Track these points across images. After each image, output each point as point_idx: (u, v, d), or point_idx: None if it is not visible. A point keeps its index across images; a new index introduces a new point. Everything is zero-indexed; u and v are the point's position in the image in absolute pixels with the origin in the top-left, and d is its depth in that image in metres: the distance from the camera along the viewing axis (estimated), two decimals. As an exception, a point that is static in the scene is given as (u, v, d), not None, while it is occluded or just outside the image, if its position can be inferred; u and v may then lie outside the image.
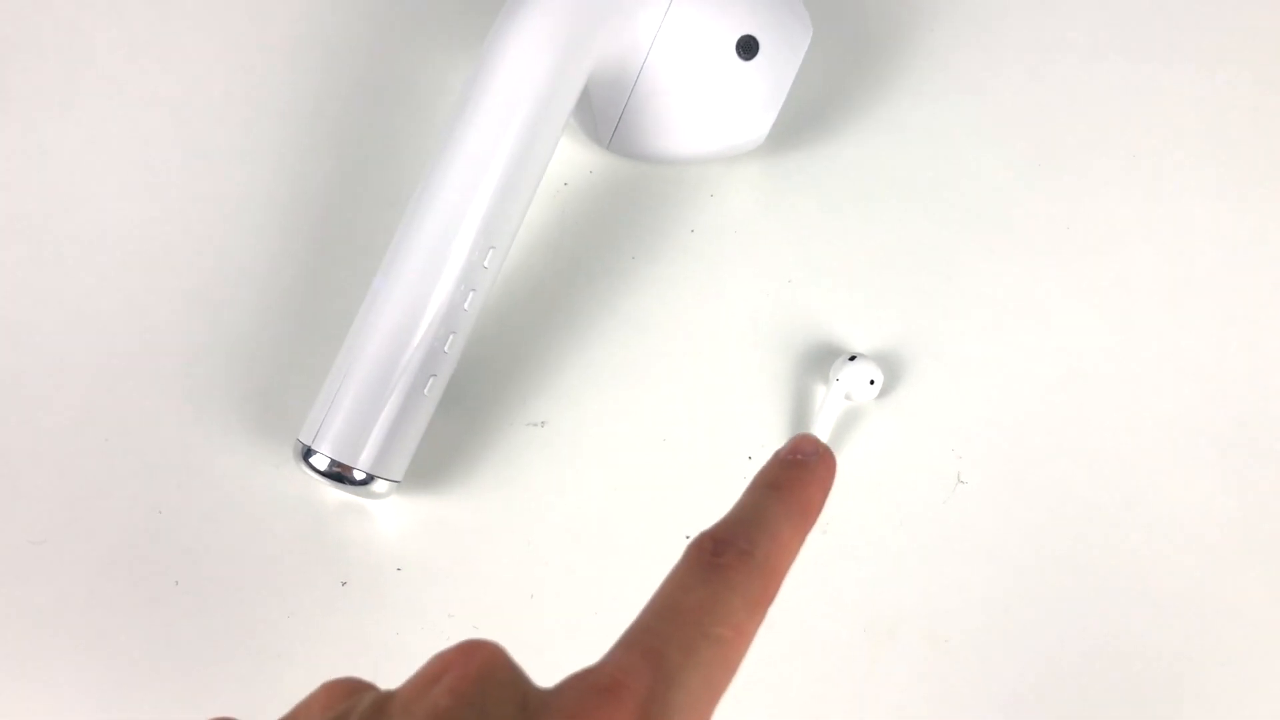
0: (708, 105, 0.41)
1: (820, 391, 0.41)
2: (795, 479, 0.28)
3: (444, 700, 0.20)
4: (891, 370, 0.42)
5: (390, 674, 0.37)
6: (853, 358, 0.40)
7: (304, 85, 0.45)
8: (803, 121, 0.45)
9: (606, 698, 0.20)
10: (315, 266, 0.42)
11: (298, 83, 0.45)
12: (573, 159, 0.44)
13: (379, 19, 0.46)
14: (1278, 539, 0.41)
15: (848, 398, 0.40)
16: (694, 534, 0.39)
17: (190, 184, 0.43)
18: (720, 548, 0.25)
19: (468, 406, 0.41)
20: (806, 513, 0.28)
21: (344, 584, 0.39)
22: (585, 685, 0.21)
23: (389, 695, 0.21)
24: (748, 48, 0.40)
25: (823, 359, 0.42)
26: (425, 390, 0.37)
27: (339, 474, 0.37)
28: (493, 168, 0.37)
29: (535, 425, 0.41)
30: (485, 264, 0.38)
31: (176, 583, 0.39)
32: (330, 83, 0.45)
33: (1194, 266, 0.43)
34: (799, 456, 0.29)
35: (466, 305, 0.37)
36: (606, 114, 0.42)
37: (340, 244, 0.43)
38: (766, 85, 0.41)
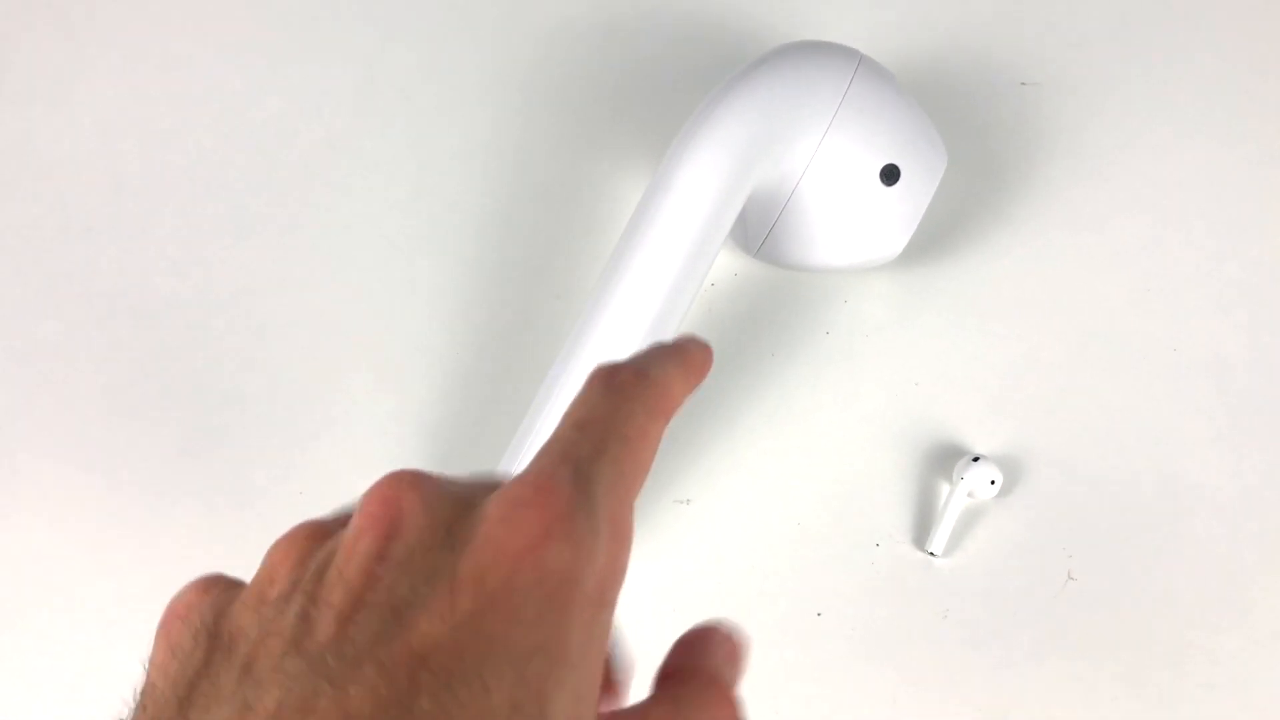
0: (850, 225, 0.46)
1: (942, 487, 0.45)
2: (683, 344, 0.28)
3: (375, 568, 0.21)
4: (1009, 471, 0.45)
5: None
6: (976, 459, 0.44)
7: (488, 189, 0.50)
8: (933, 240, 0.49)
9: (534, 503, 0.21)
10: (492, 350, 0.47)
11: (483, 186, 0.50)
12: (720, 263, 0.49)
13: (558, 132, 0.51)
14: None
15: (970, 495, 0.44)
16: (824, 612, 0.43)
17: (383, 271, 0.49)
18: (617, 371, 0.25)
19: (623, 482, 0.45)
20: (691, 368, 0.28)
21: (508, 636, 0.43)
22: (510, 499, 0.21)
23: (323, 570, 0.21)
24: (890, 175, 0.45)
25: (945, 457, 0.46)
26: (594, 467, 0.42)
27: (515, 537, 0.41)
28: (664, 275, 0.42)
29: (682, 502, 0.45)
30: (652, 358, 0.42)
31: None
32: (512, 187, 0.50)
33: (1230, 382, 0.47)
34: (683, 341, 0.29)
35: (634, 393, 0.42)
36: (758, 227, 0.46)
37: (514, 332, 0.48)
38: (904, 209, 0.45)
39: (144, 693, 0.22)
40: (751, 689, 0.43)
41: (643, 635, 0.44)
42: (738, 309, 0.49)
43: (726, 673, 0.26)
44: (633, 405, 0.24)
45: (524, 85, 0.53)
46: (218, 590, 0.23)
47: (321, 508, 0.45)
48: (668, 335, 0.43)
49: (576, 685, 0.21)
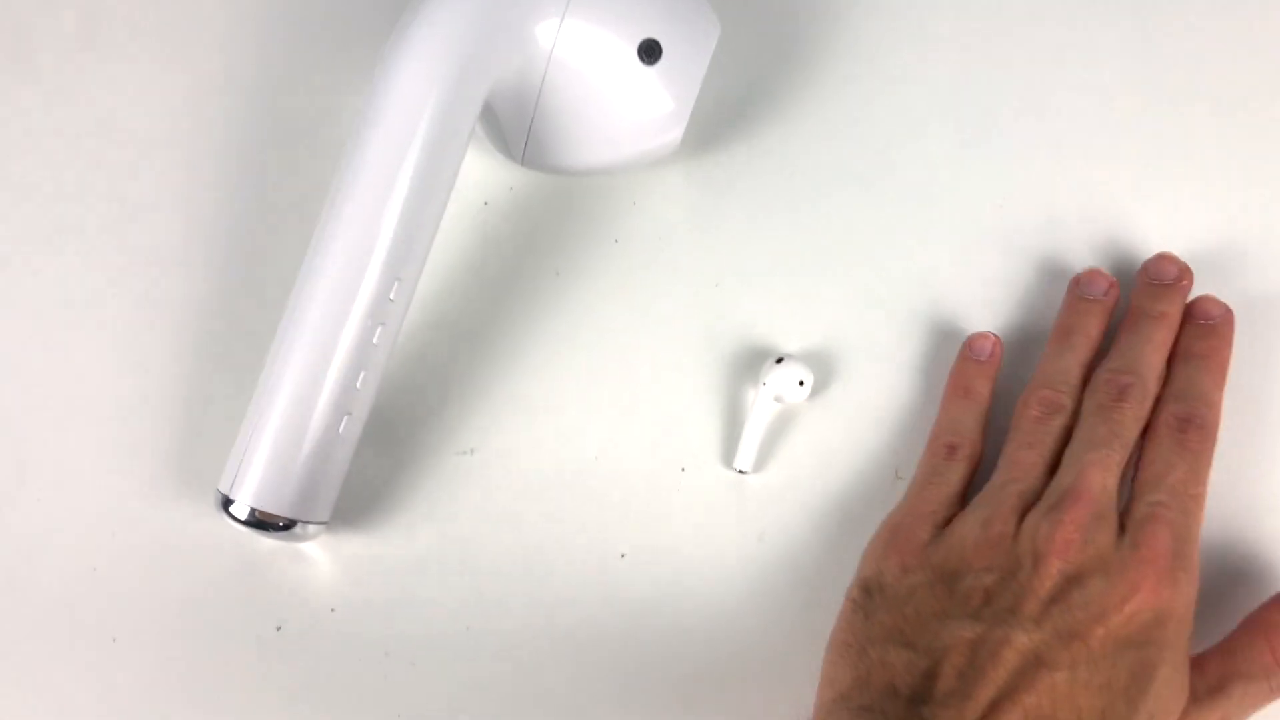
0: (615, 114, 0.40)
1: (750, 397, 0.40)
2: (1213, 348, 0.38)
3: (1062, 585, 0.33)
4: (824, 368, 0.41)
5: (327, 715, 0.37)
6: (780, 359, 0.39)
7: (212, 129, 0.44)
8: (723, 121, 0.44)
9: (1151, 561, 0.33)
10: (234, 309, 0.42)
11: (208, 128, 0.44)
12: (491, 177, 0.44)
13: (297, 62, 0.45)
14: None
15: (778, 400, 0.39)
16: (628, 552, 0.39)
17: (107, 233, 0.43)
18: (1184, 425, 0.36)
19: (393, 439, 0.40)
20: (1224, 372, 0.38)
21: (279, 628, 0.39)
22: (1138, 560, 0.33)
23: (1024, 570, 0.33)
24: (650, 51, 0.39)
25: (754, 362, 0.41)
26: (340, 429, 0.37)
27: (261, 522, 0.36)
28: (390, 198, 0.36)
29: (464, 454, 0.40)
30: (391, 296, 0.37)
31: (114, 639, 0.39)
32: (251, 131, 0.44)
33: (1130, 232, 0.42)
34: (1209, 322, 0.38)
35: (375, 340, 0.37)
36: (514, 130, 0.41)
37: (256, 285, 0.42)
38: (674, 89, 0.40)
39: (868, 590, 0.35)
40: (558, 644, 0.38)
41: (435, 605, 0.39)
42: (516, 227, 0.43)
43: None
44: (1199, 464, 0.35)
45: (257, 16, 0.46)
46: (937, 528, 0.36)
47: (62, 513, 0.40)
48: (411, 265, 0.37)
49: (1174, 650, 0.32)
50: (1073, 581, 0.33)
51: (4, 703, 0.38)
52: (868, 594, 0.35)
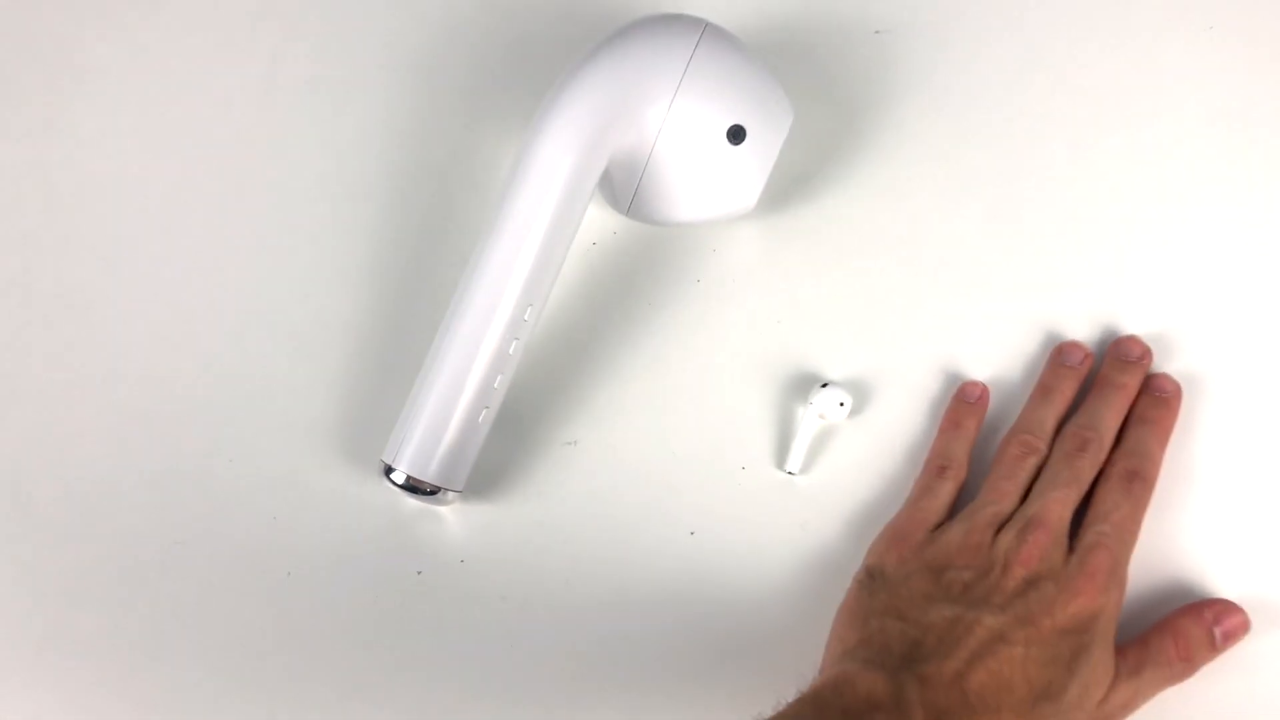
0: (705, 182, 0.50)
1: (801, 412, 0.50)
2: (1162, 416, 0.47)
3: (1023, 588, 0.43)
4: (862, 394, 0.50)
5: (454, 644, 0.47)
6: (825, 385, 0.49)
7: (381, 168, 0.55)
8: (791, 186, 0.54)
9: (1093, 575, 0.42)
10: (394, 317, 0.52)
11: (377, 167, 0.55)
12: (600, 223, 0.54)
13: (449, 110, 0.56)
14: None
15: (822, 417, 0.49)
16: (696, 531, 0.48)
17: (290, 252, 0.54)
18: (1131, 477, 0.45)
19: (515, 429, 0.50)
20: (1168, 436, 0.47)
21: (419, 573, 0.49)
22: (1085, 573, 0.42)
23: (997, 570, 0.43)
24: (736, 135, 0.49)
25: (804, 386, 0.51)
26: (480, 420, 0.47)
27: (413, 486, 0.46)
28: (529, 243, 0.47)
29: (570, 444, 0.51)
30: (525, 318, 0.47)
31: (289, 574, 0.49)
32: (408, 166, 0.55)
33: (1111, 310, 0.51)
34: (1163, 395, 0.48)
35: (511, 351, 0.47)
36: (624, 189, 0.51)
37: (414, 298, 0.53)
38: (754, 164, 0.50)
39: (871, 575, 0.45)
40: (638, 596, 0.48)
41: (541, 561, 0.49)
42: (618, 264, 0.54)
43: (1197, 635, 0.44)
44: (1139, 509, 0.45)
45: (415, 68, 0.57)
46: (929, 532, 0.46)
47: (249, 474, 0.50)
48: (542, 294, 0.48)
49: (1104, 640, 0.42)
50: (1031, 584, 0.42)
51: (200, 623, 0.49)
52: (871, 578, 0.45)
